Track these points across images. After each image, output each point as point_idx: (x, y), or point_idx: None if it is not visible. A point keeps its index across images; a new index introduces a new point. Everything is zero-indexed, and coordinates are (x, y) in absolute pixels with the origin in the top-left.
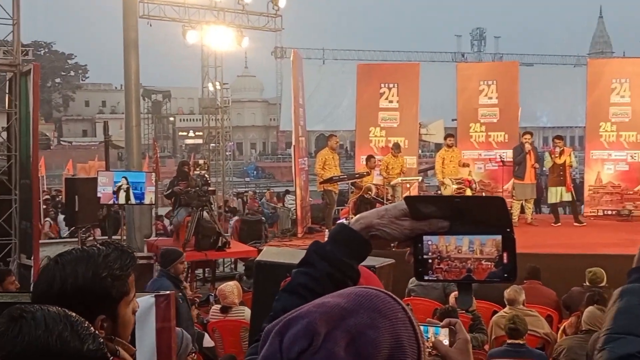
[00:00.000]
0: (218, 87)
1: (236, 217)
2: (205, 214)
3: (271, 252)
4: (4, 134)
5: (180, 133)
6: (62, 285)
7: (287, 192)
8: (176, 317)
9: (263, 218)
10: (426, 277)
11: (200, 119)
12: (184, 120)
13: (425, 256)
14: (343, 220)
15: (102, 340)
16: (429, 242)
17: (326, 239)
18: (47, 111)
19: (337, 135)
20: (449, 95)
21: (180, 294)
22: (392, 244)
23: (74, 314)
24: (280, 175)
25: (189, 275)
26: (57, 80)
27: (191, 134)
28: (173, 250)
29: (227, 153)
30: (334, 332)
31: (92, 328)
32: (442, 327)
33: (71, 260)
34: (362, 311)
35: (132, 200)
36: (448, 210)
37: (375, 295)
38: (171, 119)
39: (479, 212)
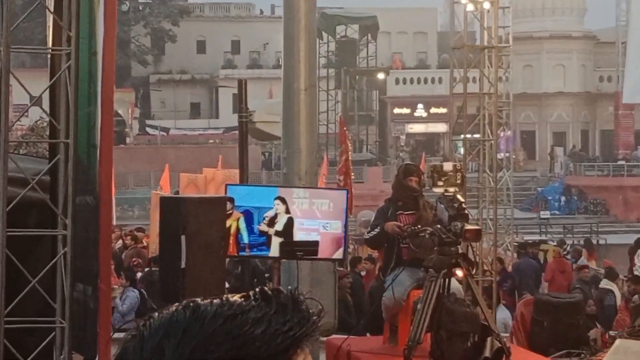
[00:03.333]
0: (487, 5)
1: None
2: (455, 284)
3: None
4: (46, 104)
5: (395, 110)
6: None
7: None
8: None
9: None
10: None
11: (437, 79)
12: (403, 81)
13: None
14: None
15: None
16: None
17: None
18: (123, 64)
19: None
20: None
21: None
22: None
23: None
24: (623, 208)
25: None
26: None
27: (419, 111)
28: None
29: (501, 155)
30: None
31: None
32: None
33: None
34: None
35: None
36: None
37: None
38: (380, 75)
39: None
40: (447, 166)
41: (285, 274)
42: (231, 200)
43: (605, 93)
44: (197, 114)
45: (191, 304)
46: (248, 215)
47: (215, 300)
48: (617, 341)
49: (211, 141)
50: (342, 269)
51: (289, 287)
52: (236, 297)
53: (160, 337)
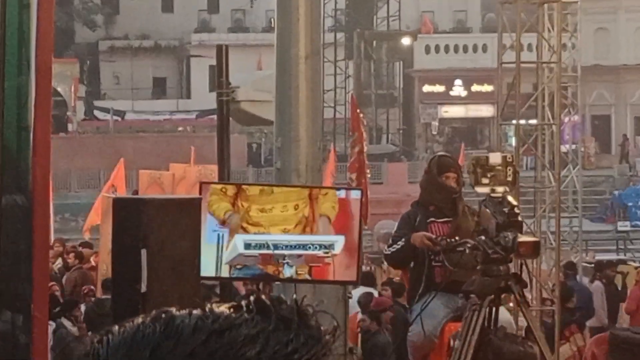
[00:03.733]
0: None
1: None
2: (506, 314)
3: None
4: None
5: (425, 88)
6: None
7: None
8: None
9: None
10: None
11: (480, 47)
12: (436, 50)
13: None
14: None
15: None
16: None
17: None
18: (64, 27)
19: None
20: None
21: None
22: None
23: None
24: None
25: None
26: None
27: (457, 89)
28: None
29: (567, 147)
30: None
31: None
32: None
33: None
34: None
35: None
36: None
37: None
38: (405, 41)
39: None
40: (495, 158)
41: None
42: None
43: None
44: (162, 92)
45: (163, 315)
46: None
47: (195, 312)
48: None
49: (180, 129)
50: (382, 296)
51: (294, 295)
52: (223, 308)
53: (121, 357)
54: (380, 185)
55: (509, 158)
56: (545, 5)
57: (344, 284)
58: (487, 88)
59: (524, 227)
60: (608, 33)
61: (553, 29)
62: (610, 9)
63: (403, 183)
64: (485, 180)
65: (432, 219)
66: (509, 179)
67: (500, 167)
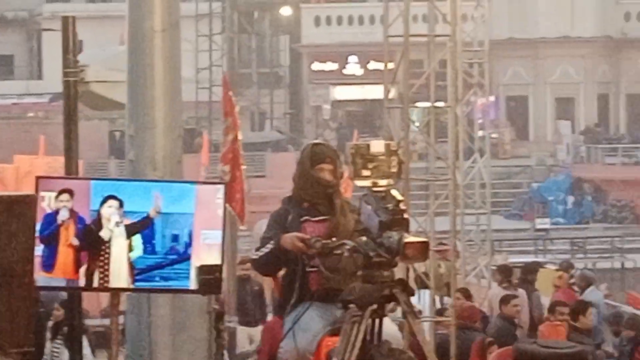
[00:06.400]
0: None
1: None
2: (390, 326)
3: None
4: None
5: (315, 66)
6: None
7: None
8: None
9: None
10: None
11: (378, 18)
12: (327, 21)
13: None
14: None
15: None
16: None
17: None
18: None
19: None
20: None
21: None
22: None
23: None
24: None
25: None
26: None
27: (351, 66)
28: None
29: (476, 134)
30: None
31: None
32: None
33: None
34: None
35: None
36: None
37: None
38: (284, 11)
39: None
40: (377, 146)
41: (132, 316)
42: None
43: (635, 38)
44: (9, 72)
45: None
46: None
47: None
48: None
49: (31, 114)
50: None
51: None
52: None
53: None
54: (263, 179)
55: (393, 146)
56: None
57: (206, 294)
58: (390, 65)
59: (415, 226)
60: (524, 2)
61: None
62: None
63: (290, 176)
64: (366, 172)
65: (306, 218)
66: (394, 170)
67: (383, 157)
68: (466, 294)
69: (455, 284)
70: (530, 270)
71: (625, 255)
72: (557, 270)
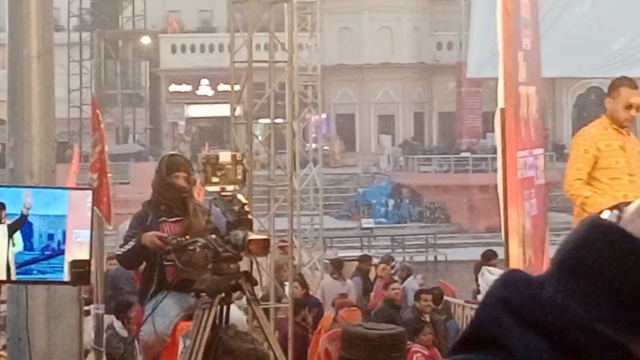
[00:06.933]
0: None
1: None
2: (236, 311)
3: None
4: None
5: (172, 87)
6: None
7: (489, 258)
8: None
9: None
10: None
11: (226, 46)
12: (182, 49)
13: None
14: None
15: None
16: None
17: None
18: None
19: (636, 85)
20: None
21: None
22: None
23: None
24: (468, 214)
25: None
26: None
27: (203, 88)
28: None
29: (310, 145)
30: None
31: None
32: None
33: None
34: None
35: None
36: None
37: None
38: (145, 40)
39: None
40: (224, 157)
41: (12, 304)
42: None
43: (445, 65)
44: None
45: None
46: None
47: None
48: None
49: None
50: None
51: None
52: None
53: None
54: (126, 185)
55: (239, 157)
56: (285, 5)
57: (77, 285)
58: (236, 87)
59: (258, 226)
60: (352, 33)
61: (293, 28)
62: (354, 8)
63: (149, 183)
64: (215, 179)
65: (163, 218)
66: (239, 177)
67: (230, 166)
68: (303, 283)
69: (293, 275)
70: (364, 261)
71: (438, 250)
72: (380, 263)
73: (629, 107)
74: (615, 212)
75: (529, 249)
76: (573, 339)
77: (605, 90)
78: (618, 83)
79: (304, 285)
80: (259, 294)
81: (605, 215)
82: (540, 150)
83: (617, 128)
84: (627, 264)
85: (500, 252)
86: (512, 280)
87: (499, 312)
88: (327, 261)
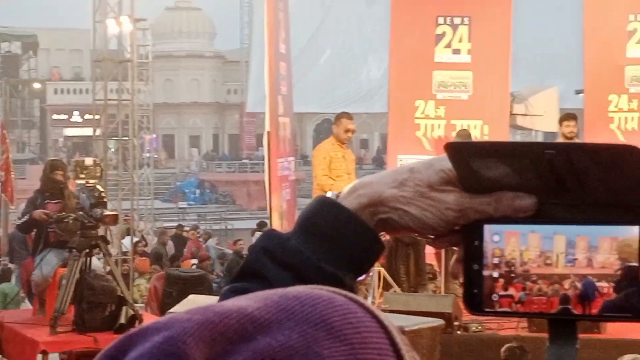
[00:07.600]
0: (128, 26)
1: (159, 272)
2: (95, 262)
3: None
4: None
5: (54, 116)
6: None
7: (261, 226)
8: None
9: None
10: (487, 310)
11: (90, 89)
12: (61, 91)
13: (485, 268)
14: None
15: None
16: (495, 240)
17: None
18: None
19: (351, 117)
20: (569, 42)
21: None
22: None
23: None
24: (247, 198)
25: None
26: None
27: (75, 117)
28: None
29: (145, 154)
30: None
31: None
32: None
33: None
34: (291, 324)
35: None
36: (534, 172)
37: (323, 299)
38: (36, 85)
39: (598, 178)
40: (89, 161)
41: None
42: None
43: (233, 103)
44: None
45: None
46: None
47: None
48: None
49: None
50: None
51: None
52: None
53: None
54: (24, 180)
55: (98, 161)
56: (129, 64)
57: None
58: (97, 116)
59: (110, 206)
60: (173, 82)
61: (134, 78)
62: (174, 66)
63: (39, 178)
64: (82, 176)
65: (48, 201)
66: (98, 174)
67: (92, 167)
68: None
69: (132, 239)
70: (179, 229)
71: (227, 222)
72: (190, 230)
73: (347, 131)
74: (335, 192)
75: (285, 221)
76: (307, 273)
77: (333, 120)
78: (340, 115)
79: (145, 245)
80: (112, 250)
81: (329, 194)
82: (292, 158)
83: (340, 144)
84: (339, 223)
85: (268, 223)
86: (270, 235)
87: (261, 255)
88: (156, 229)
